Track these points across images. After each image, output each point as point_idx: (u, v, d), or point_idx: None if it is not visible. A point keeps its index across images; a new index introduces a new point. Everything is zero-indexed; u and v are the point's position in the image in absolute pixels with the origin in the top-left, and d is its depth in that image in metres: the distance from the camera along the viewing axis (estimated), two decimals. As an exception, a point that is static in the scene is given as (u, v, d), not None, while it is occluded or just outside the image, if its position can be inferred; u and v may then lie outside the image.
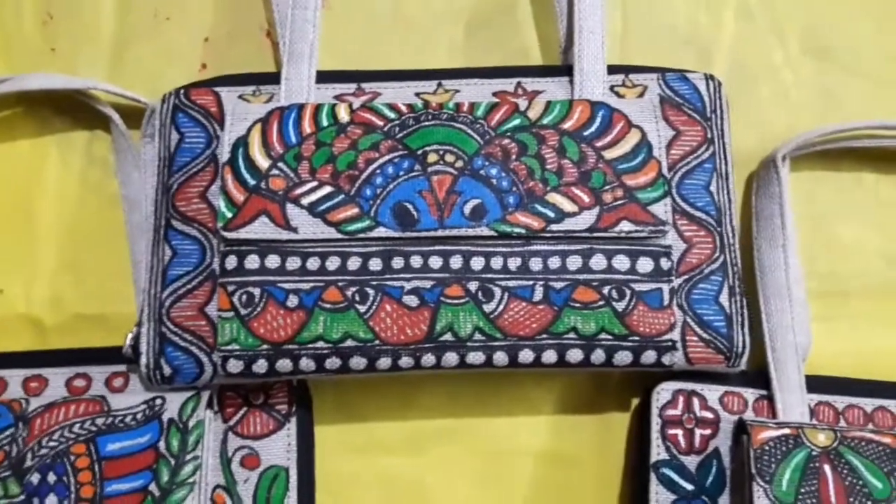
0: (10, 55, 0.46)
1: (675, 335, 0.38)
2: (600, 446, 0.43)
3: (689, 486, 0.39)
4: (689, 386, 0.40)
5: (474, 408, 0.43)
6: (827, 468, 0.38)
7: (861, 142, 0.45)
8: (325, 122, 0.39)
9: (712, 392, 0.40)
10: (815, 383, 0.41)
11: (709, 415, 0.40)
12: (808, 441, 0.38)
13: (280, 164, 0.38)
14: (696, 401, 0.40)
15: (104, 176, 0.45)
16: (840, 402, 0.41)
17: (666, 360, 0.38)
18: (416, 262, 0.37)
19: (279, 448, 0.39)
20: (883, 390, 0.41)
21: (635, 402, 0.43)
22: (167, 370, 0.37)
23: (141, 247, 0.41)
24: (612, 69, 0.42)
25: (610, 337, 0.37)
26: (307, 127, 0.39)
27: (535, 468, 0.43)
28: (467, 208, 0.37)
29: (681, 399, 0.40)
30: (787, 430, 0.38)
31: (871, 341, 0.44)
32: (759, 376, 0.41)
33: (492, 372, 0.38)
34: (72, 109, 0.45)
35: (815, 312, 0.43)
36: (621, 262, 0.38)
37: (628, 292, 0.38)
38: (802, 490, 0.37)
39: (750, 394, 0.41)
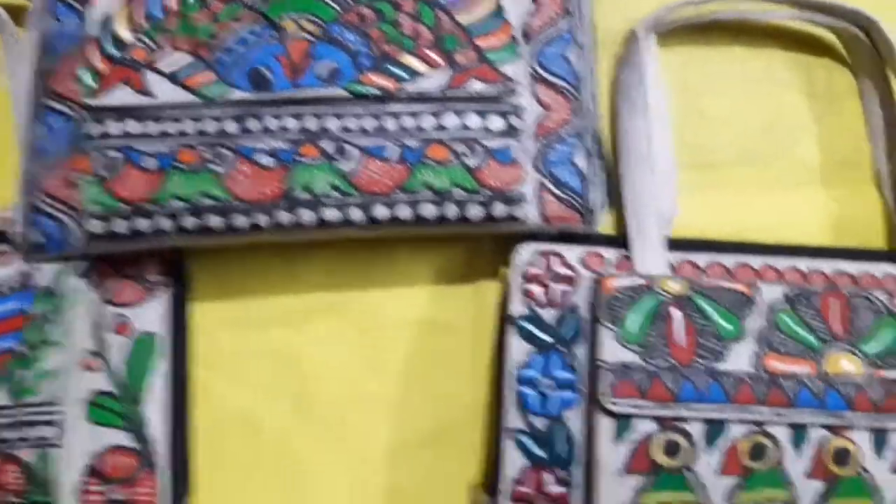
0: None
1: (525, 189, 0.39)
2: (474, 313, 0.43)
3: (547, 338, 0.40)
4: (551, 246, 0.41)
5: (353, 281, 0.44)
6: (677, 312, 0.38)
7: (726, 14, 0.45)
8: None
9: (573, 251, 0.41)
10: (679, 244, 0.42)
11: (568, 272, 0.41)
12: (660, 289, 0.39)
13: (143, 37, 0.39)
14: (556, 259, 0.41)
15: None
16: (703, 259, 0.41)
17: (517, 213, 0.39)
18: (271, 123, 0.38)
19: (151, 316, 0.40)
20: (745, 248, 0.42)
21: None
22: (38, 238, 0.38)
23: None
24: (474, -52, 0.44)
25: (462, 192, 0.38)
26: (172, 4, 0.40)
27: (413, 337, 0.44)
28: (322, 70, 0.38)
29: (541, 258, 0.41)
30: (640, 280, 0.39)
31: (738, 209, 0.44)
32: (624, 240, 0.42)
33: (355, 235, 0.39)
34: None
35: (686, 182, 0.44)
36: (473, 120, 0.39)
37: (479, 149, 0.39)
38: (650, 332, 0.38)
39: (612, 253, 0.41)
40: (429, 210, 0.38)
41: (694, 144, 0.45)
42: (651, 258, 0.41)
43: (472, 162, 0.38)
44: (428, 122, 0.38)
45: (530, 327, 0.40)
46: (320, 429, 0.43)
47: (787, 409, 0.37)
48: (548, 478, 0.38)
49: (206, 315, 0.43)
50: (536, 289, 0.41)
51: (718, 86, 0.46)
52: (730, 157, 0.45)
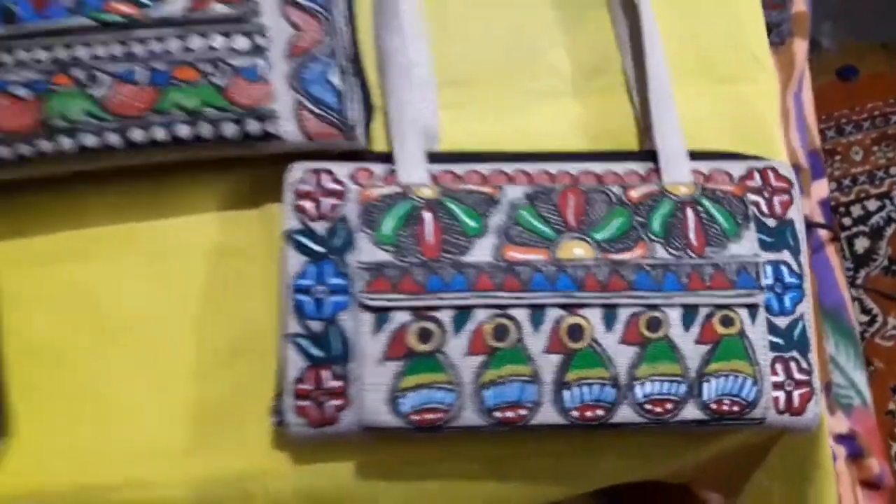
0: None
1: (276, 105, 0.39)
2: (263, 236, 0.43)
3: (320, 249, 0.40)
4: (321, 164, 0.41)
5: (141, 212, 0.43)
6: (427, 215, 0.39)
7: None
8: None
9: (343, 168, 0.41)
10: (440, 156, 0.42)
11: (338, 187, 0.41)
12: (414, 195, 0.40)
13: None
14: (326, 176, 0.41)
15: None
16: (461, 168, 0.42)
17: (271, 129, 0.39)
18: (23, 56, 0.37)
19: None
20: (499, 156, 0.42)
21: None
22: None
23: None
24: None
25: (213, 110, 0.38)
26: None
27: (204, 263, 0.43)
28: (67, 1, 0.37)
29: (312, 175, 0.41)
30: (396, 189, 0.40)
31: (497, 123, 0.45)
32: (392, 157, 0.41)
33: (122, 160, 0.39)
34: None
35: (447, 100, 0.44)
36: (218, 41, 0.39)
37: (226, 68, 0.38)
38: (403, 233, 0.39)
39: (380, 168, 0.42)
40: (184, 130, 0.38)
41: (453, 62, 0.45)
42: (413, 170, 0.41)
43: (219, 81, 0.38)
44: (174, 45, 0.38)
45: (303, 240, 0.40)
46: (122, 356, 0.42)
47: (523, 293, 0.38)
48: (325, 374, 0.39)
49: (2, 253, 0.42)
50: (308, 204, 0.40)
51: (473, 3, 0.46)
52: (487, 72, 0.46)
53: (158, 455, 0.42)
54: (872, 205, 1.10)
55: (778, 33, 0.72)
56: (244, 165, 0.43)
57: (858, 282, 1.07)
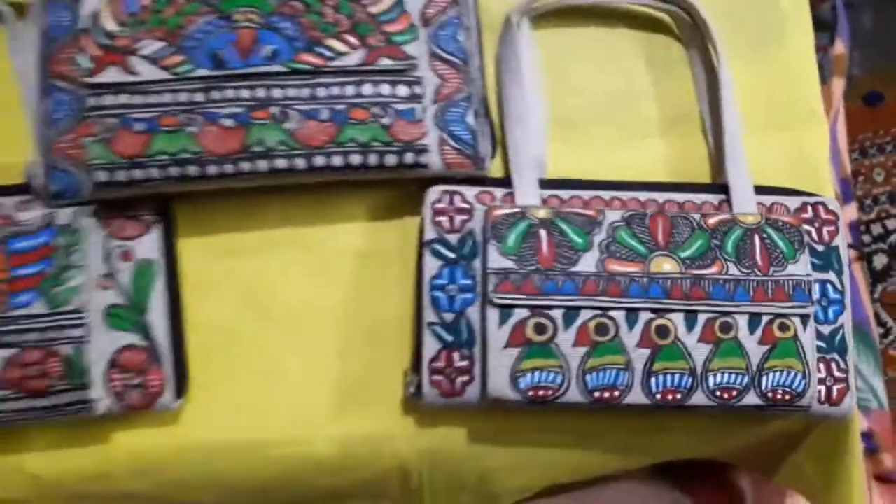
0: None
1: (427, 141, 0.48)
2: (401, 243, 0.52)
3: (452, 255, 0.49)
4: (453, 188, 0.50)
5: (305, 219, 0.52)
6: (542, 232, 0.48)
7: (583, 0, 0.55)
8: (159, -4, 0.49)
9: (470, 191, 0.50)
10: (549, 183, 0.51)
11: (466, 205, 0.50)
12: (531, 216, 0.49)
13: (125, 29, 0.47)
14: (457, 197, 0.50)
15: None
16: (565, 193, 0.51)
17: (423, 160, 0.48)
18: (229, 93, 0.47)
19: (149, 246, 0.49)
20: (597, 185, 0.51)
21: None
22: (55, 188, 0.47)
23: (34, 108, 0.50)
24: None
25: (380, 143, 0.47)
26: (146, 1, 0.47)
27: (354, 262, 0.52)
28: (266, 52, 0.47)
29: (446, 196, 0.50)
30: (516, 210, 0.49)
31: (595, 157, 0.53)
32: (508, 181, 0.51)
33: (299, 179, 0.48)
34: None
35: (555, 136, 0.53)
36: (385, 89, 0.48)
37: (391, 111, 0.48)
38: (523, 246, 0.48)
39: (499, 192, 0.51)
40: (356, 159, 0.47)
41: (560, 106, 0.54)
42: (527, 194, 0.50)
43: (385, 121, 0.47)
44: (350, 90, 0.47)
45: (440, 248, 0.49)
46: (283, 334, 0.51)
47: (621, 298, 0.47)
48: (455, 355, 0.48)
49: (190, 246, 0.51)
50: (443, 219, 0.50)
51: (578, 58, 0.55)
52: (588, 115, 0.55)
53: (310, 418, 0.51)
54: (892, 224, 1.18)
55: (821, 75, 0.80)
56: (384, 185, 0.52)
57: (875, 296, 1.15)
